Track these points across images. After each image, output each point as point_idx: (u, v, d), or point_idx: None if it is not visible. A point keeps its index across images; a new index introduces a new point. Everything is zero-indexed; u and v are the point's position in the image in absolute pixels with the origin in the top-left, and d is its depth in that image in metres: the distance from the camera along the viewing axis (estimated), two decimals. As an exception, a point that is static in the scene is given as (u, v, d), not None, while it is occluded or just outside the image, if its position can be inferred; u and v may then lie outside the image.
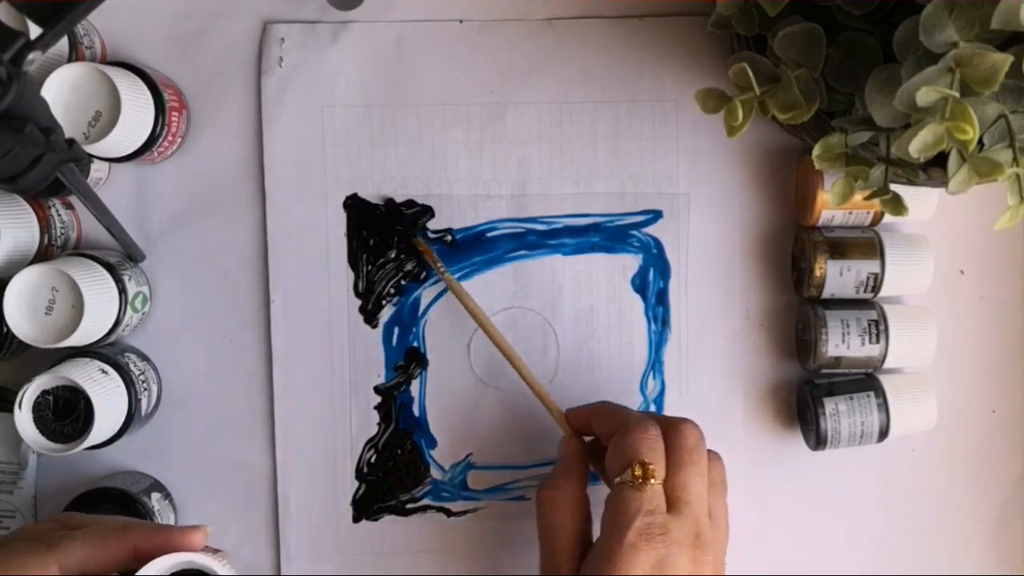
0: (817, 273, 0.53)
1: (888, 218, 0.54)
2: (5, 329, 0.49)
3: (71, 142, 0.43)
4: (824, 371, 0.54)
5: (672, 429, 0.46)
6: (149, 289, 0.55)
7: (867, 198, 0.42)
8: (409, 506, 0.56)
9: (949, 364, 0.56)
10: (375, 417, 0.56)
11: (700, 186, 0.55)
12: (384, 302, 0.55)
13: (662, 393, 0.56)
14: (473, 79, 0.55)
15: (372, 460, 0.56)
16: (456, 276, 0.55)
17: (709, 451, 0.47)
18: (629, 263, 0.56)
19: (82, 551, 0.37)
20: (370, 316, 0.55)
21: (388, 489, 0.56)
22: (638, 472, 0.44)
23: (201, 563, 0.38)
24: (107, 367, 0.51)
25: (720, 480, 0.48)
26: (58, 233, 0.53)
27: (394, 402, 0.56)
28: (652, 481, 0.44)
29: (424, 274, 0.55)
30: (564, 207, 0.55)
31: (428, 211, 0.55)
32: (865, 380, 0.54)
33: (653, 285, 0.56)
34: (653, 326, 0.56)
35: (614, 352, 0.56)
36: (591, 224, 0.55)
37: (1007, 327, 0.56)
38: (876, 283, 0.53)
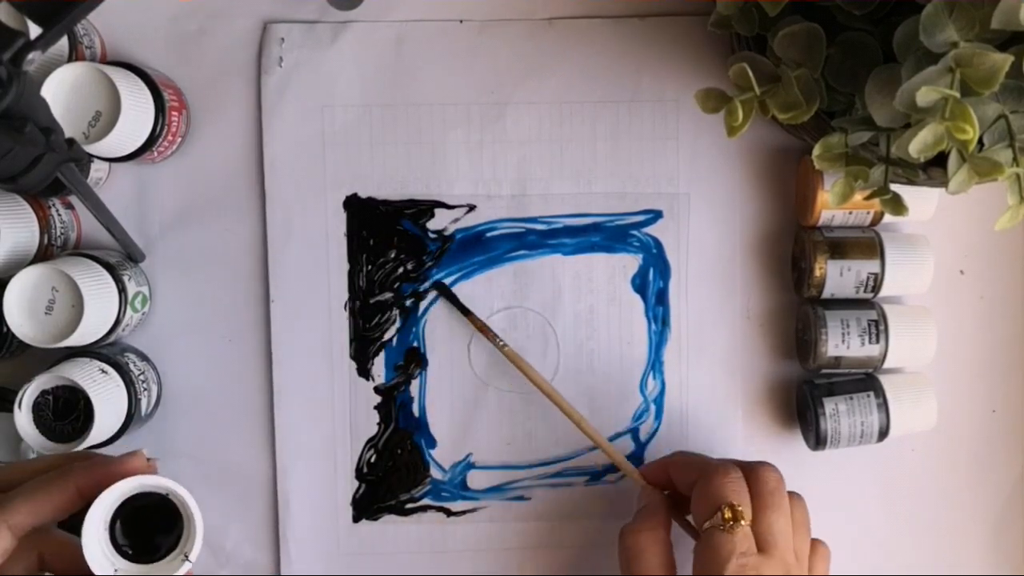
0: (817, 273, 0.53)
1: (888, 218, 0.54)
2: (5, 329, 0.49)
3: (71, 142, 0.43)
4: (824, 371, 0.54)
5: (752, 473, 0.47)
6: (149, 289, 0.55)
7: (867, 198, 0.42)
8: (409, 506, 0.56)
9: (949, 364, 0.56)
10: (375, 417, 0.56)
11: (700, 186, 0.55)
12: (383, 302, 0.56)
13: (662, 393, 0.56)
14: (473, 79, 0.55)
15: (372, 460, 0.56)
16: (456, 276, 0.55)
17: (790, 492, 0.48)
18: (629, 263, 0.56)
19: (27, 507, 0.36)
20: (370, 316, 0.55)
21: (388, 489, 0.56)
22: (728, 515, 0.44)
23: (152, 484, 0.38)
24: (107, 367, 0.51)
25: (803, 520, 0.48)
26: (58, 233, 0.53)
27: (394, 402, 0.56)
28: (742, 523, 0.44)
29: (423, 274, 0.55)
30: (564, 207, 0.55)
31: (428, 211, 0.55)
32: (865, 380, 0.54)
33: (653, 285, 0.56)
34: (653, 326, 0.56)
35: (614, 352, 0.56)
36: (591, 224, 0.55)
37: (1007, 327, 0.56)
38: (876, 283, 0.53)
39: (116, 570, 0.37)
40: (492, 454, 0.56)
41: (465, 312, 0.54)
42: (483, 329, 0.54)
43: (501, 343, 0.53)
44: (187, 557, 0.38)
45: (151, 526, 0.39)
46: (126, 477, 0.37)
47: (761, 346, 0.56)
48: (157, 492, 0.38)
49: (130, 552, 0.38)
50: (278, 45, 0.55)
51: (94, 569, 0.37)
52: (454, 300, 0.54)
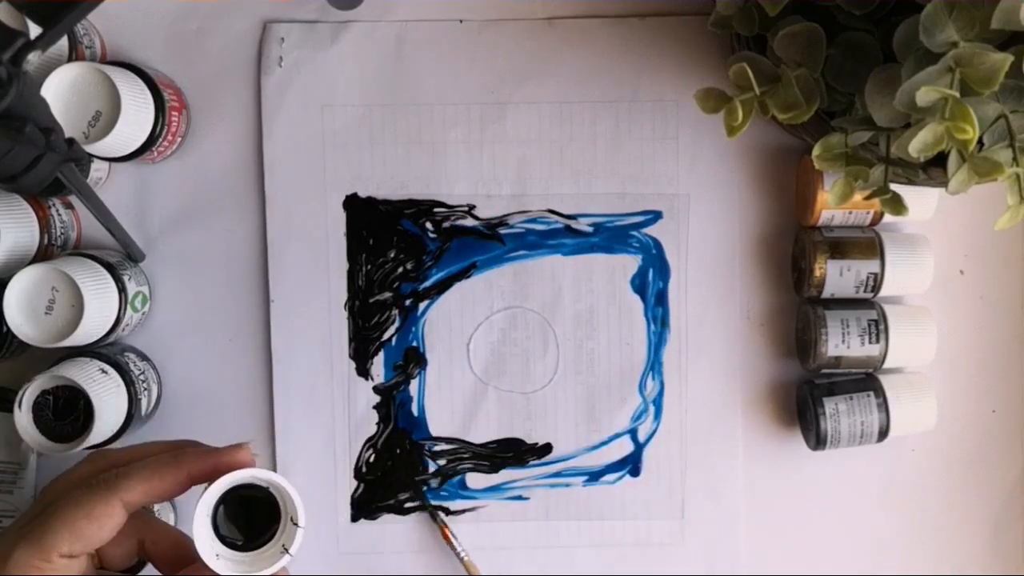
0: (817, 273, 0.53)
1: (888, 218, 0.54)
2: (5, 329, 0.49)
3: (71, 142, 0.43)
4: (824, 371, 0.54)
5: None
6: (149, 289, 0.55)
7: (867, 198, 0.42)
8: (408, 505, 0.56)
9: (949, 364, 0.56)
10: (374, 417, 0.56)
11: (700, 186, 0.55)
12: (383, 301, 0.56)
13: (661, 393, 0.56)
14: (473, 79, 0.55)
15: (371, 460, 0.56)
16: (456, 276, 0.55)
17: None
18: (629, 264, 0.56)
19: (141, 487, 0.37)
20: (369, 315, 0.55)
21: (387, 488, 0.56)
22: None
23: (263, 477, 0.39)
24: (107, 367, 0.51)
25: None
26: (58, 233, 0.53)
27: (393, 402, 0.56)
28: None
29: (423, 274, 0.55)
30: (564, 207, 0.55)
31: (428, 211, 0.55)
32: (865, 380, 0.54)
33: (653, 286, 0.56)
34: (652, 327, 0.56)
35: (613, 352, 0.56)
36: (591, 224, 0.55)
37: (1007, 327, 0.56)
38: (876, 283, 0.53)
39: (218, 556, 0.38)
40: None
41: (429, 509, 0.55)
42: (444, 531, 0.55)
43: (460, 553, 0.54)
44: (286, 550, 0.38)
45: (252, 518, 0.39)
46: (235, 468, 0.38)
47: (761, 346, 0.56)
48: (259, 485, 0.39)
49: (231, 542, 0.39)
50: (278, 45, 0.55)
51: (201, 554, 0.37)
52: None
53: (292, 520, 0.39)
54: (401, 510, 0.56)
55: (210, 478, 0.38)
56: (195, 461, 0.38)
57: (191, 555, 0.40)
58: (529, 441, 0.56)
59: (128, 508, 0.37)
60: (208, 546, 0.38)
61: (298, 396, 0.55)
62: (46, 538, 0.36)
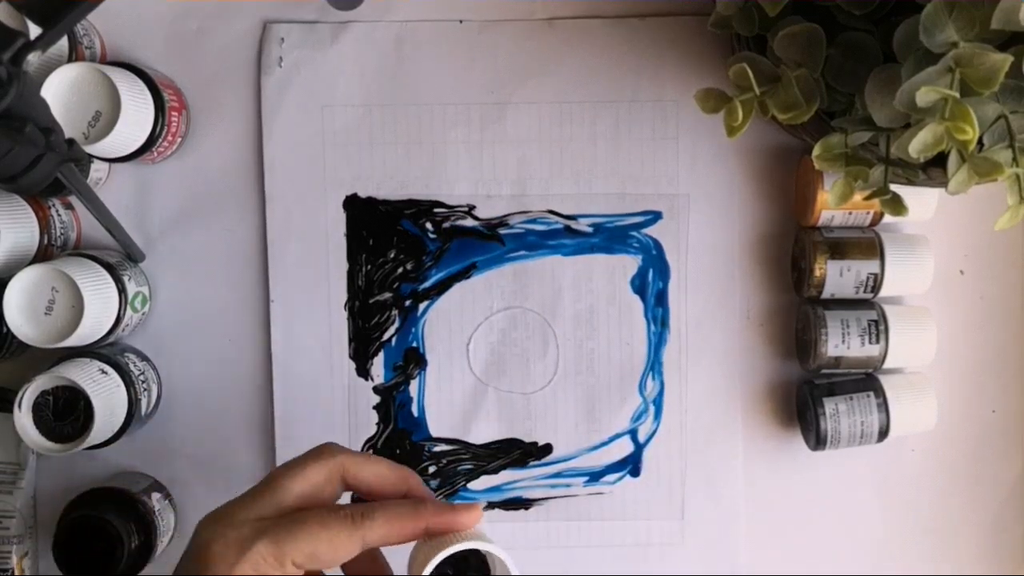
0: (817, 273, 0.53)
1: (888, 218, 0.54)
2: (5, 329, 0.49)
3: (71, 142, 0.43)
4: (824, 371, 0.54)
5: None
6: (149, 289, 0.55)
7: (867, 198, 0.42)
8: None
9: (949, 364, 0.56)
10: (374, 417, 0.56)
11: (700, 187, 0.55)
12: (383, 302, 0.56)
13: (661, 393, 0.56)
14: (473, 79, 0.55)
15: None
16: (456, 276, 0.55)
17: None
18: (629, 264, 0.56)
19: (382, 529, 0.39)
20: (369, 316, 0.55)
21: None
22: None
23: (488, 548, 0.40)
24: (107, 367, 0.51)
25: None
26: (58, 233, 0.53)
27: (393, 402, 0.56)
28: None
29: (423, 274, 0.55)
30: (564, 207, 0.55)
31: (428, 211, 0.55)
32: (865, 380, 0.54)
33: (652, 286, 0.56)
34: (652, 327, 0.56)
35: (614, 352, 0.56)
36: (591, 224, 0.55)
37: (1007, 327, 0.56)
38: (876, 283, 0.53)
39: None
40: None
41: None
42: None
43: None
44: None
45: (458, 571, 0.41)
46: (468, 528, 0.40)
47: (761, 346, 0.56)
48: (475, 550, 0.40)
49: None
50: (278, 45, 0.55)
51: None
52: None
53: None
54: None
55: (441, 532, 0.40)
56: (433, 517, 0.40)
57: None
58: (529, 442, 0.56)
59: (366, 546, 0.39)
60: None
61: (298, 396, 0.55)
62: (289, 545, 0.37)
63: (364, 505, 0.39)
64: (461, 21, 0.55)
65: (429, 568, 0.39)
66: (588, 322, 0.56)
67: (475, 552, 0.40)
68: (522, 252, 0.56)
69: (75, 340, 0.49)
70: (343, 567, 0.42)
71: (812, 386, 0.54)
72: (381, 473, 0.41)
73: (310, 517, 0.38)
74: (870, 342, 0.53)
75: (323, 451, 0.41)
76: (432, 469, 0.56)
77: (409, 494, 0.41)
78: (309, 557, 0.37)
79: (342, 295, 0.55)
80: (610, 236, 0.55)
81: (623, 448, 0.56)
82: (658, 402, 0.56)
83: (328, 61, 0.55)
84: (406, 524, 0.39)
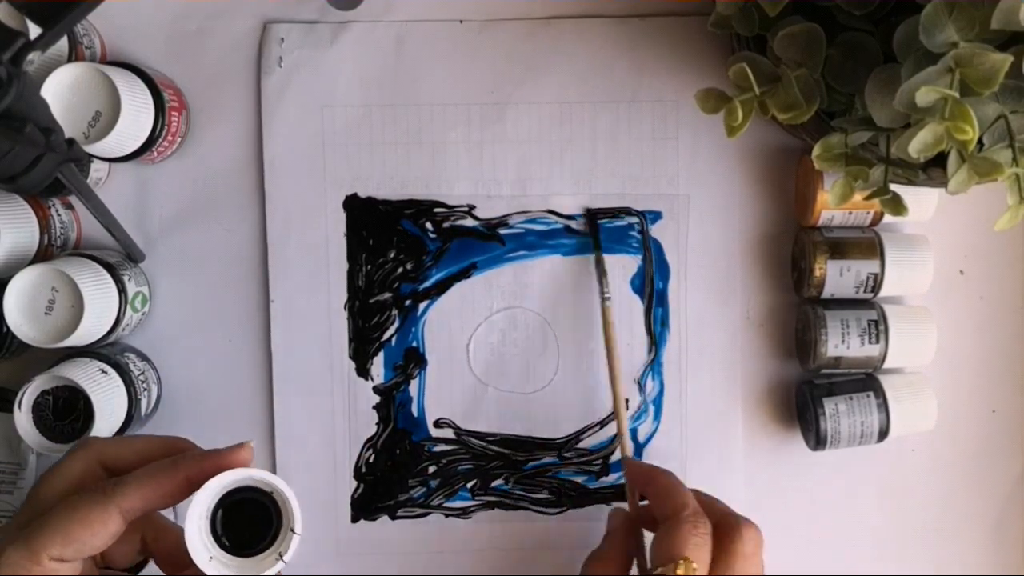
0: (817, 273, 0.53)
1: (888, 218, 0.54)
2: (5, 329, 0.49)
3: (71, 142, 0.43)
4: (824, 371, 0.54)
5: (733, 530, 0.45)
6: (149, 289, 0.55)
7: (867, 198, 0.42)
8: (408, 506, 0.56)
9: (949, 364, 0.56)
10: (374, 417, 0.56)
11: (700, 187, 0.55)
12: (383, 301, 0.56)
13: (661, 393, 0.56)
14: (473, 79, 0.55)
15: (371, 460, 0.56)
16: (456, 276, 0.55)
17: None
18: (629, 264, 0.56)
19: (138, 493, 0.37)
20: (369, 316, 0.55)
21: (387, 489, 0.56)
22: (680, 571, 0.43)
23: (258, 478, 0.38)
24: (107, 367, 0.51)
25: None
26: (58, 233, 0.53)
27: (393, 402, 0.56)
28: None
29: (423, 274, 0.56)
30: (564, 207, 0.55)
31: (428, 211, 0.55)
32: (865, 380, 0.54)
33: (653, 286, 0.56)
34: (652, 327, 0.56)
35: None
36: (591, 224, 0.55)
37: (1007, 327, 0.56)
38: (876, 283, 0.53)
39: (211, 558, 0.38)
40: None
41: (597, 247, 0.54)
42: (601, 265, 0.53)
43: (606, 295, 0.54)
44: (281, 557, 0.38)
45: (249, 521, 0.39)
46: (238, 467, 0.38)
47: (761, 346, 0.56)
48: (259, 487, 0.39)
49: (227, 544, 0.39)
50: (278, 45, 0.55)
51: (192, 555, 0.37)
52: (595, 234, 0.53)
53: (291, 527, 0.39)
54: (397, 515, 0.56)
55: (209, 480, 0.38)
56: (193, 465, 0.38)
57: None
58: (529, 442, 0.56)
59: (126, 516, 0.37)
60: (201, 547, 0.38)
61: (298, 396, 0.55)
62: (37, 540, 0.36)
63: (119, 477, 0.38)
64: (461, 21, 0.55)
65: (193, 516, 0.37)
66: (588, 322, 0.56)
67: (267, 500, 0.39)
68: (522, 252, 0.56)
69: (75, 340, 0.49)
70: (159, 564, 0.41)
71: (812, 386, 0.54)
72: (143, 448, 0.40)
73: (58, 505, 0.37)
74: (870, 342, 0.53)
75: (78, 444, 0.40)
76: (432, 469, 0.56)
77: None
78: (65, 545, 0.36)
79: (342, 295, 0.55)
80: (610, 236, 0.55)
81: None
82: (658, 402, 0.56)
83: (328, 61, 0.55)
84: (162, 481, 0.37)
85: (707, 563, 0.44)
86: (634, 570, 0.48)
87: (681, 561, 0.43)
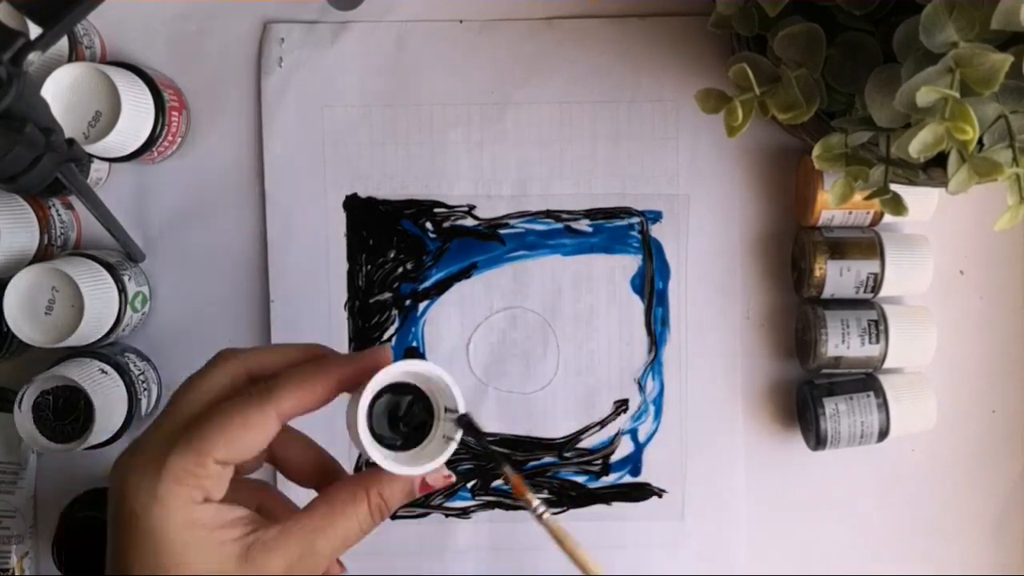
0: (817, 273, 0.53)
1: (888, 218, 0.54)
2: (5, 329, 0.49)
3: (71, 142, 0.43)
4: (824, 371, 0.54)
5: None
6: (149, 289, 0.55)
7: (867, 198, 0.42)
8: (402, 513, 0.56)
9: (949, 364, 0.56)
10: (375, 417, 0.56)
11: (700, 187, 0.55)
12: (383, 301, 0.56)
13: (661, 393, 0.56)
14: (473, 79, 0.55)
15: (371, 460, 0.56)
16: (456, 276, 0.55)
17: None
18: (629, 263, 0.56)
19: (293, 395, 0.37)
20: (369, 316, 0.55)
21: (388, 489, 0.56)
22: None
23: (413, 371, 0.38)
24: (107, 367, 0.51)
25: None
26: (58, 233, 0.53)
27: (394, 402, 0.56)
28: None
29: (423, 274, 0.56)
30: (564, 207, 0.55)
31: (428, 211, 0.55)
32: (865, 380, 0.54)
33: (653, 286, 0.56)
34: (652, 327, 0.56)
35: (614, 352, 0.56)
36: (591, 224, 0.55)
37: (1007, 327, 0.56)
38: (876, 283, 0.53)
39: (386, 458, 0.37)
40: (492, 454, 0.56)
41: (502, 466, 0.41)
42: (518, 484, 0.40)
43: (539, 511, 0.41)
44: (450, 438, 0.38)
45: (398, 420, 0.39)
46: (385, 364, 0.38)
47: (761, 346, 0.56)
48: (406, 383, 0.38)
49: (389, 443, 0.38)
50: (278, 45, 0.55)
51: (370, 453, 0.37)
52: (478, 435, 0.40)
53: (447, 409, 0.38)
54: (397, 515, 0.56)
55: (357, 384, 0.38)
56: (342, 367, 0.38)
57: (325, 465, 0.41)
58: (529, 441, 0.56)
59: (282, 418, 0.37)
60: (375, 447, 0.37)
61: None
62: (203, 444, 0.35)
63: (270, 380, 0.37)
64: (461, 21, 0.55)
65: (361, 421, 0.37)
66: (588, 322, 0.56)
67: (417, 396, 0.39)
68: (522, 252, 0.56)
69: (75, 340, 0.49)
70: (293, 478, 0.41)
71: (812, 386, 0.54)
72: (286, 355, 0.39)
73: (214, 411, 0.36)
74: (870, 342, 0.53)
75: (220, 355, 0.39)
76: (432, 469, 0.56)
77: None
78: (228, 447, 0.35)
79: (342, 295, 0.55)
80: (610, 236, 0.55)
81: (623, 448, 0.56)
82: (658, 402, 0.56)
83: (328, 61, 0.55)
84: (315, 383, 0.37)
85: None
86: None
87: None
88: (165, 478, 0.35)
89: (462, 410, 0.38)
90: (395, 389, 0.39)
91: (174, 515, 0.35)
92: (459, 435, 0.38)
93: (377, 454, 0.37)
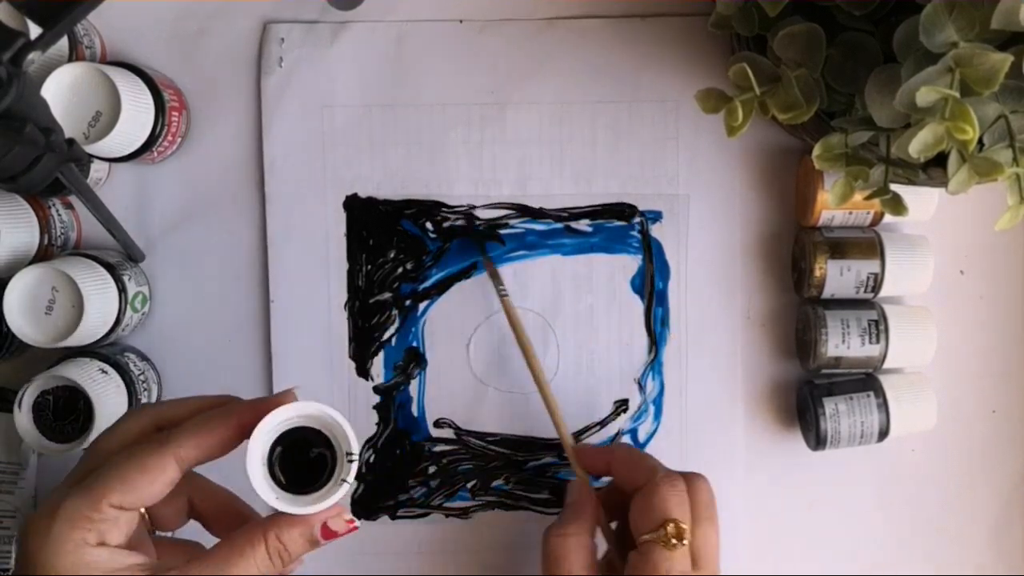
0: (817, 273, 0.53)
1: (888, 218, 0.54)
2: (5, 329, 0.49)
3: (71, 142, 0.43)
4: (824, 371, 0.54)
5: (691, 484, 0.46)
6: (149, 289, 0.55)
7: (867, 198, 0.42)
8: (408, 506, 0.56)
9: (949, 364, 0.56)
10: (374, 417, 0.56)
11: (700, 187, 0.55)
12: (383, 301, 0.56)
13: (661, 393, 0.56)
14: (473, 79, 0.55)
15: (371, 460, 0.56)
16: (456, 276, 0.55)
17: (695, 475, 0.47)
18: (628, 263, 0.56)
19: (192, 440, 0.37)
20: (369, 316, 0.56)
21: (387, 489, 0.56)
22: (672, 531, 0.43)
23: (311, 412, 0.38)
24: (107, 367, 0.51)
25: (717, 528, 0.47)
26: (58, 233, 0.53)
27: (393, 402, 0.56)
28: (684, 542, 0.43)
29: (423, 274, 0.56)
30: (564, 207, 0.55)
31: (428, 211, 0.55)
32: (865, 380, 0.54)
33: (653, 286, 0.56)
34: (652, 327, 0.56)
35: (614, 352, 0.56)
36: (591, 224, 0.55)
37: (1007, 327, 0.56)
38: (876, 283, 0.53)
39: (277, 498, 0.38)
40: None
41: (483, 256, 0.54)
42: (491, 270, 0.54)
43: (504, 293, 0.53)
44: (345, 480, 0.38)
45: (305, 463, 0.39)
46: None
47: (761, 346, 0.56)
48: (309, 427, 0.39)
49: (287, 485, 0.39)
50: (278, 45, 0.55)
51: (261, 494, 0.37)
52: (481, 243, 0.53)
53: (347, 455, 0.38)
54: (398, 515, 0.56)
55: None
56: (244, 411, 0.38)
57: (242, 514, 0.41)
58: (529, 441, 0.56)
59: (182, 464, 0.37)
60: (267, 488, 0.38)
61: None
62: (99, 488, 0.36)
63: (174, 427, 0.38)
64: (461, 21, 0.55)
65: (253, 460, 0.37)
66: (588, 322, 0.56)
67: (319, 440, 0.39)
68: (522, 252, 0.56)
69: (75, 340, 0.49)
70: (206, 525, 0.42)
71: (812, 386, 0.54)
72: (196, 404, 0.40)
73: (117, 456, 0.37)
74: (870, 342, 0.53)
75: (131, 410, 0.41)
76: (432, 469, 0.56)
77: None
78: (124, 491, 0.36)
79: (342, 295, 0.55)
80: (610, 236, 0.55)
81: (623, 448, 0.56)
82: (658, 402, 0.56)
83: (328, 61, 0.55)
84: (215, 428, 0.38)
85: (689, 518, 0.44)
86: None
87: (671, 523, 0.43)
88: (58, 519, 0.36)
89: (356, 452, 0.38)
90: (305, 433, 0.39)
91: (64, 557, 0.35)
92: (351, 477, 0.38)
93: (268, 493, 0.38)
